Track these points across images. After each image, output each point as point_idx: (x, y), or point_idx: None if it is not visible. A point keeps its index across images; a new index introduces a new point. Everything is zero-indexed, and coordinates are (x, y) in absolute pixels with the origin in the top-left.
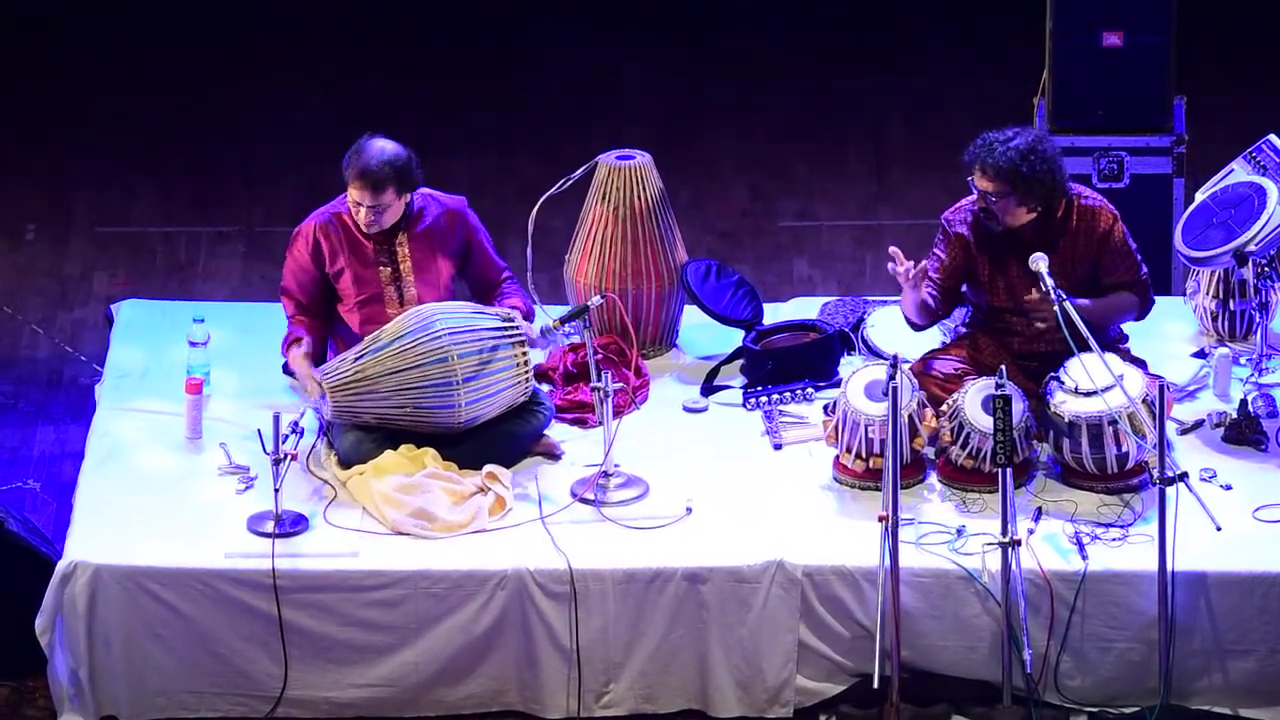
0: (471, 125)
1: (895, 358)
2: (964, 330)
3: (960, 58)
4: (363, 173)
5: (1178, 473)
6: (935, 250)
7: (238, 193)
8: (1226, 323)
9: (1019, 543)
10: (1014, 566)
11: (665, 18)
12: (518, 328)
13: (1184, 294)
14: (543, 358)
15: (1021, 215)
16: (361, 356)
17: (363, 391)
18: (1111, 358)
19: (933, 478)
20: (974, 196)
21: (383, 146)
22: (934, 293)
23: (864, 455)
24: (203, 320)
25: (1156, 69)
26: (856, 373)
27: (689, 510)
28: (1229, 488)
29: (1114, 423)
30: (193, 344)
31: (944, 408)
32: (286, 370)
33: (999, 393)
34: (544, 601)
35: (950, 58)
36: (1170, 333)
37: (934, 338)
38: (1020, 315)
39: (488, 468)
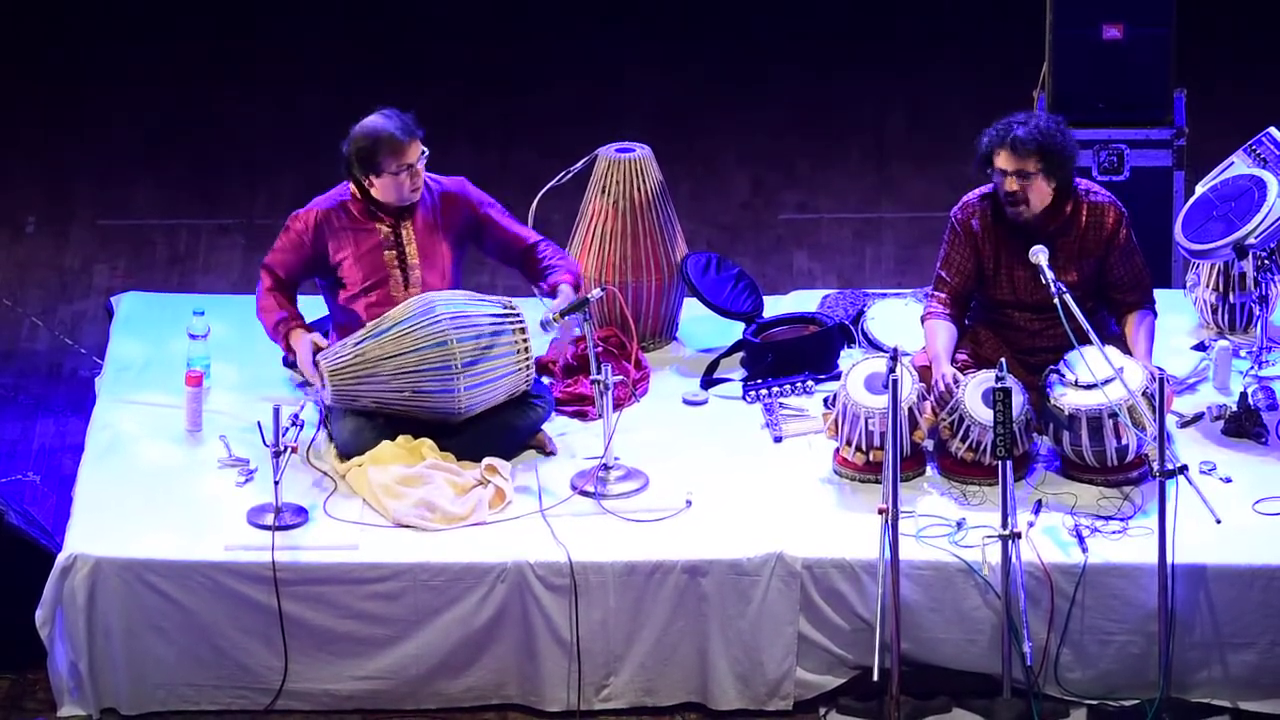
0: (472, 119)
1: (895, 350)
2: (966, 324)
3: (961, 50)
4: (403, 131)
5: (1178, 465)
6: (950, 254)
7: (238, 186)
8: (1226, 315)
9: (1019, 535)
10: (1014, 559)
11: (666, 10)
12: (518, 315)
13: (1184, 287)
14: (544, 350)
15: (1046, 195)
16: (362, 341)
17: (362, 375)
18: (1112, 351)
19: (929, 470)
20: (981, 190)
21: (384, 111)
22: (947, 310)
23: (864, 448)
24: (203, 313)
25: (1157, 61)
26: (856, 365)
27: (689, 503)
28: (1229, 480)
29: (1114, 415)
30: (193, 337)
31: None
32: (287, 363)
33: (999, 386)
34: (544, 594)
35: (951, 50)
36: (1170, 325)
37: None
38: (1022, 310)
39: (487, 460)
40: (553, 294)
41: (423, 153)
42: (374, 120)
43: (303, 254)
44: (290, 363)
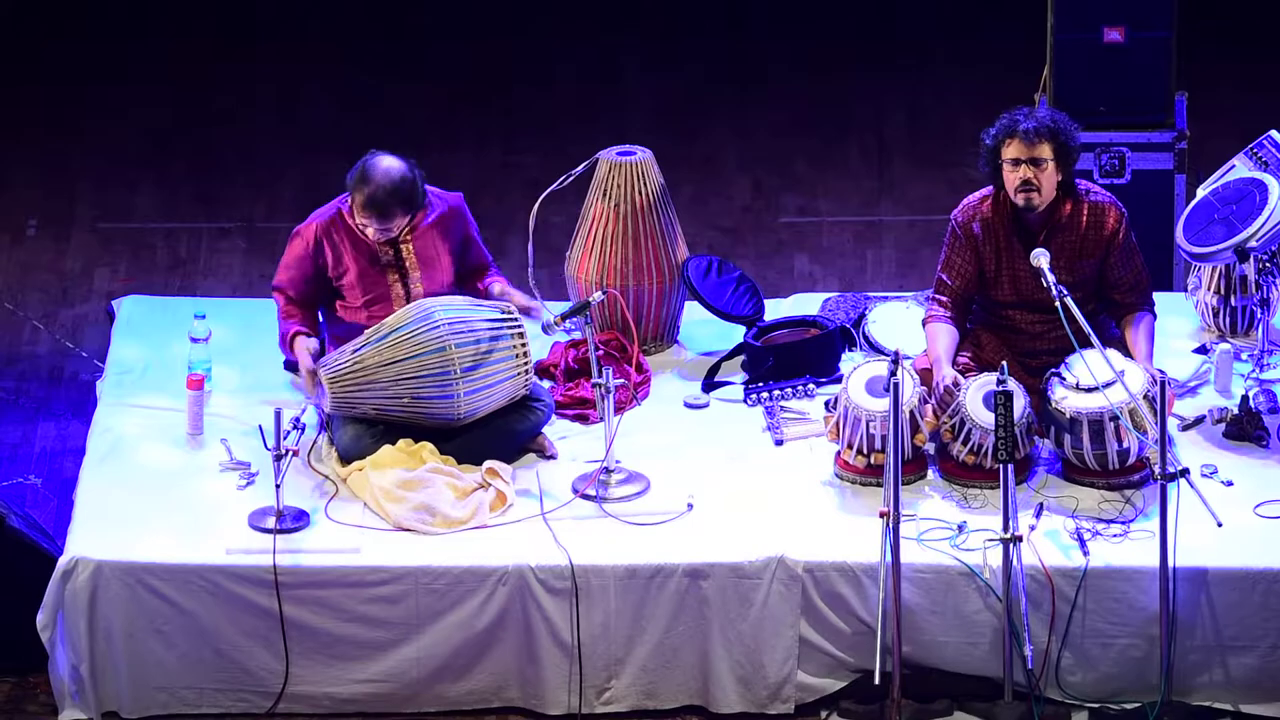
0: (473, 121)
1: (896, 353)
2: (968, 327)
3: (962, 53)
4: (369, 203)
5: (1179, 469)
6: (951, 256)
7: (239, 189)
8: (1228, 318)
9: (1020, 539)
10: (1015, 562)
11: (666, 11)
12: (516, 319)
13: (1185, 290)
14: (544, 354)
15: (1054, 186)
16: (360, 348)
17: (361, 383)
18: (1113, 354)
19: (931, 473)
20: (981, 193)
21: (388, 169)
22: (948, 312)
23: (865, 451)
24: (204, 316)
25: (1158, 64)
26: (857, 368)
27: (690, 506)
28: (1230, 484)
29: (1115, 418)
30: (194, 340)
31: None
32: (288, 366)
33: (1000, 389)
34: (545, 597)
35: (951, 53)
36: (1171, 329)
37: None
38: (1024, 311)
39: (488, 463)
40: (486, 294)
41: (388, 229)
42: (379, 172)
43: (309, 269)
44: (291, 365)
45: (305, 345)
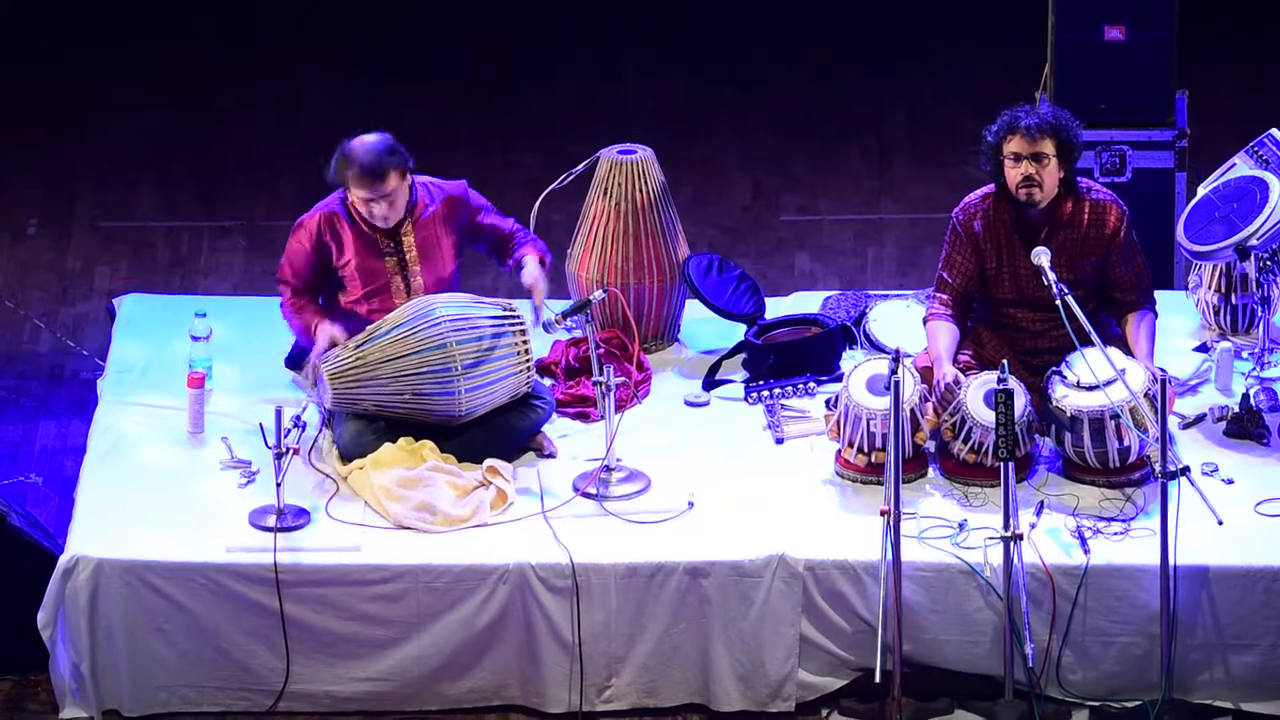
0: (474, 120)
1: (897, 352)
2: (969, 325)
3: (962, 52)
4: (361, 171)
5: (1180, 467)
6: (952, 254)
7: (240, 187)
8: (1228, 317)
9: (1021, 537)
10: (1016, 561)
11: (666, 11)
12: (518, 317)
13: (1186, 288)
14: (545, 352)
15: (1056, 182)
16: (362, 344)
17: (362, 379)
18: (1114, 352)
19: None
20: (983, 191)
21: (364, 140)
22: (949, 311)
23: (866, 449)
24: (205, 314)
25: (1158, 63)
26: (858, 367)
27: (691, 504)
28: (1231, 482)
29: (1116, 417)
30: (194, 338)
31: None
32: (290, 364)
33: (1001, 387)
34: (546, 596)
35: (952, 52)
36: (1172, 327)
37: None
38: (1024, 309)
39: (488, 462)
40: (518, 267)
41: (388, 195)
42: (356, 144)
43: (312, 260)
44: (291, 363)
45: (328, 332)
